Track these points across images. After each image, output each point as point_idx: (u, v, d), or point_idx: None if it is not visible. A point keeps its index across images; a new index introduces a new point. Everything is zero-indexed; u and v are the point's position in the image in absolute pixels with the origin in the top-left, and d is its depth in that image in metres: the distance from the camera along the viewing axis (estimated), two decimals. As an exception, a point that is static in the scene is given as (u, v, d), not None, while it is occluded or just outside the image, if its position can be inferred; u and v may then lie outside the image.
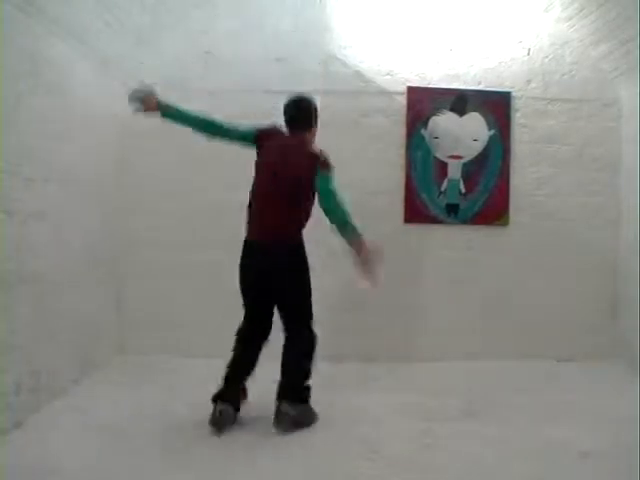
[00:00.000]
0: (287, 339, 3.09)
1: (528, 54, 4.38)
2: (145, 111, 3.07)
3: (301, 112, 3.17)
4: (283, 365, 3.05)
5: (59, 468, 2.48)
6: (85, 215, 3.69)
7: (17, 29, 2.86)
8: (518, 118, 4.39)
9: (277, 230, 2.99)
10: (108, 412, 3.13)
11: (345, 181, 4.22)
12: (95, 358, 3.87)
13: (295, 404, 2.96)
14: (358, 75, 4.32)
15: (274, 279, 3.00)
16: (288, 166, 2.98)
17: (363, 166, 4.29)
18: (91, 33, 3.52)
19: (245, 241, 3.10)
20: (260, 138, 3.10)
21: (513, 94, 4.37)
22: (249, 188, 3.26)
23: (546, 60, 4.39)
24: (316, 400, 3.07)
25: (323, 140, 4.15)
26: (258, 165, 3.11)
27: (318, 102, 4.22)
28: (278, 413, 2.94)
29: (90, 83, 3.73)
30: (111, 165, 4.11)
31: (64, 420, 2.99)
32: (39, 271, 3.08)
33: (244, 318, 3.16)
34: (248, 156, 3.14)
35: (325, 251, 3.86)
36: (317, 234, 3.28)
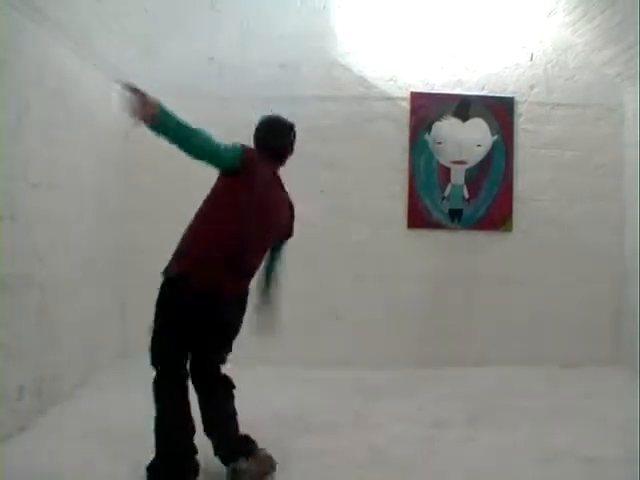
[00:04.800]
0: (220, 387, 2.56)
1: (531, 59, 4.38)
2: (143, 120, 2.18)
3: (293, 141, 2.60)
4: (223, 418, 2.53)
5: (63, 472, 2.49)
6: (88, 220, 3.71)
7: (25, 37, 2.89)
8: (521, 123, 4.39)
9: (248, 279, 2.56)
10: (112, 416, 3.13)
11: (348, 186, 4.29)
12: (99, 362, 3.89)
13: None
14: (361, 80, 4.33)
15: (231, 330, 2.55)
16: (276, 215, 2.54)
17: (366, 171, 4.30)
18: (95, 40, 3.55)
19: (205, 294, 2.37)
20: (250, 161, 2.45)
21: (516, 99, 4.37)
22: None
23: (549, 65, 4.39)
24: (320, 406, 3.06)
25: (327, 146, 4.20)
26: (244, 195, 2.44)
27: (322, 108, 4.27)
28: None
29: (94, 89, 3.76)
30: (114, 171, 4.13)
31: (68, 424, 3.00)
32: (43, 275, 3.10)
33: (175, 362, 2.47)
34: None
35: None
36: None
